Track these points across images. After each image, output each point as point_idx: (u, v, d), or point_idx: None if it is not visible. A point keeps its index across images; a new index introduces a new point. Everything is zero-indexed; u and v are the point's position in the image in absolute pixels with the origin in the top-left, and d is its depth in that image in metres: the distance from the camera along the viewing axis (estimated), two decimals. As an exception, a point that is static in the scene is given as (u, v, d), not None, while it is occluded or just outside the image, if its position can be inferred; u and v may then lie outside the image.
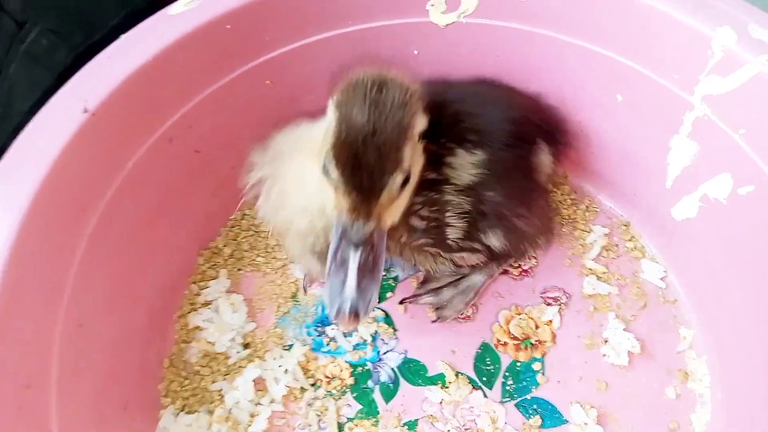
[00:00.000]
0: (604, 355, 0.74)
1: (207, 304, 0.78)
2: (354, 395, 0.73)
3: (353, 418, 0.71)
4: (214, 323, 0.76)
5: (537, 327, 0.76)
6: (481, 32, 0.71)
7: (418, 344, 0.76)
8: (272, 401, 0.72)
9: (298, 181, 0.60)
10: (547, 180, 0.77)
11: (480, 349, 0.75)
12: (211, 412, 0.71)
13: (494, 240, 0.67)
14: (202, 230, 0.80)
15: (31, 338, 0.54)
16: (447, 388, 0.73)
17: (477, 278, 0.77)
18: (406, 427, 0.71)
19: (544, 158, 0.73)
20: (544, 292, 0.79)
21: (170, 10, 0.64)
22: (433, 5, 0.70)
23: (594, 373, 0.73)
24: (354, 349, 0.76)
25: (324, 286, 0.56)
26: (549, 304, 0.78)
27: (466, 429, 0.70)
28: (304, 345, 0.75)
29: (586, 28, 0.68)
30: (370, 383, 0.74)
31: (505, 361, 0.75)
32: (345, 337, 0.76)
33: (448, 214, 0.63)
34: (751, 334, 0.66)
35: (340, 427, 0.71)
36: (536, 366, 0.74)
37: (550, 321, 0.76)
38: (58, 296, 0.56)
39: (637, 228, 0.83)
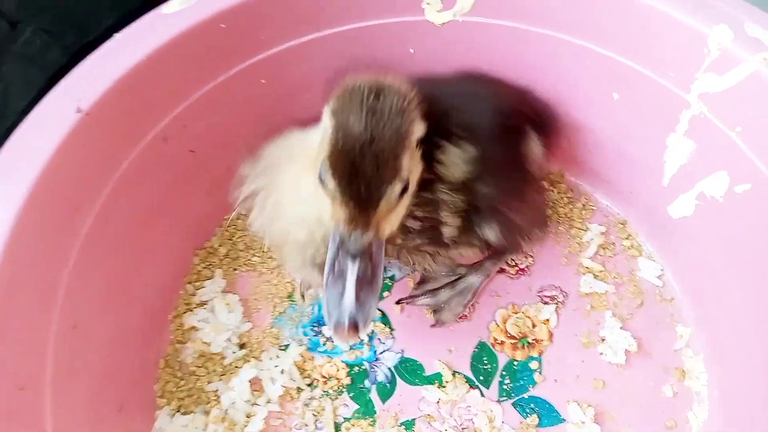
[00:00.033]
0: (601, 353, 0.74)
1: (202, 304, 0.78)
2: (351, 395, 0.73)
3: (350, 418, 0.71)
4: (209, 323, 0.76)
5: (534, 326, 0.76)
6: (477, 31, 0.71)
7: (415, 344, 0.76)
8: (269, 401, 0.72)
9: (294, 191, 0.59)
10: (539, 169, 0.76)
11: (477, 348, 0.75)
12: (207, 413, 0.71)
13: (491, 234, 0.67)
14: (197, 230, 0.80)
15: (26, 339, 0.53)
16: (444, 387, 0.72)
17: (474, 279, 0.77)
18: (403, 426, 0.71)
19: (534, 147, 0.72)
20: (541, 291, 0.79)
21: (164, 9, 0.63)
22: (428, 4, 0.70)
23: (591, 372, 0.73)
24: (350, 348, 0.75)
25: (321, 297, 0.55)
26: (546, 303, 0.78)
27: (464, 428, 0.70)
28: (301, 345, 0.75)
29: (583, 26, 0.67)
30: (366, 383, 0.73)
31: (502, 360, 0.74)
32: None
33: (443, 213, 0.62)
34: (748, 332, 0.66)
35: (337, 427, 0.71)
36: (533, 365, 0.74)
37: (547, 320, 0.76)
38: (52, 297, 0.56)
39: (634, 226, 0.83)
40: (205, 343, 0.75)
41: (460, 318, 0.77)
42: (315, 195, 0.53)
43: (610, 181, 0.82)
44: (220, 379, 0.73)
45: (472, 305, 0.77)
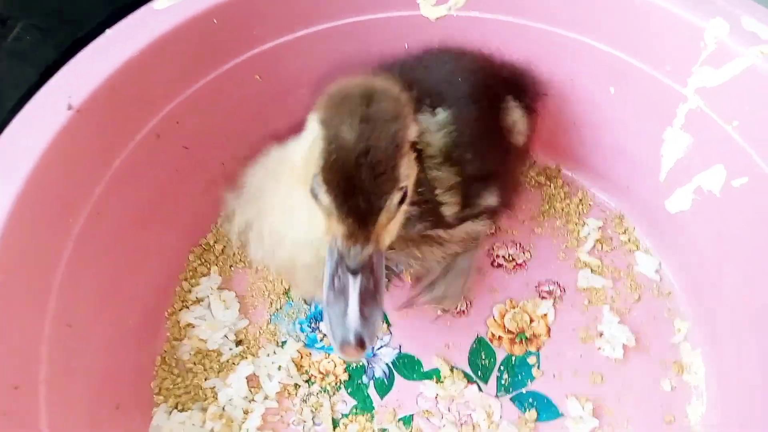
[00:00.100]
0: (599, 348, 0.74)
1: (199, 301, 0.77)
2: (348, 391, 0.73)
3: (348, 414, 0.71)
4: (206, 320, 0.75)
5: (532, 321, 0.76)
6: (471, 25, 0.71)
7: (413, 339, 0.75)
8: (266, 398, 0.71)
9: (288, 213, 0.55)
10: (526, 140, 0.72)
11: (475, 343, 0.75)
12: (204, 410, 0.70)
13: (491, 199, 0.65)
14: (192, 227, 0.80)
15: (19, 337, 0.53)
16: (442, 382, 0.72)
17: (463, 262, 0.75)
18: (402, 422, 0.71)
19: (516, 117, 0.69)
20: (539, 286, 0.79)
21: (156, 4, 0.62)
22: (423, -2, 0.69)
23: (589, 367, 0.73)
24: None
25: (324, 317, 0.51)
26: (543, 298, 0.77)
27: (462, 423, 0.70)
28: (298, 341, 0.75)
29: (578, 20, 0.67)
30: (364, 379, 0.73)
31: (500, 355, 0.74)
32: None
33: (437, 192, 0.59)
34: (745, 326, 0.66)
35: (335, 422, 0.71)
36: (531, 360, 0.74)
37: (545, 315, 0.76)
38: (45, 295, 0.56)
39: (631, 221, 0.82)
40: (201, 340, 0.74)
41: (458, 313, 0.77)
42: (309, 212, 0.50)
43: (607, 175, 0.82)
44: (217, 376, 0.72)
45: (469, 300, 0.77)
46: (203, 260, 0.80)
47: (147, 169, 0.66)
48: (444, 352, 0.74)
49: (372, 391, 0.73)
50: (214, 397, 0.71)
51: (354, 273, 0.47)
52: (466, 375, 0.73)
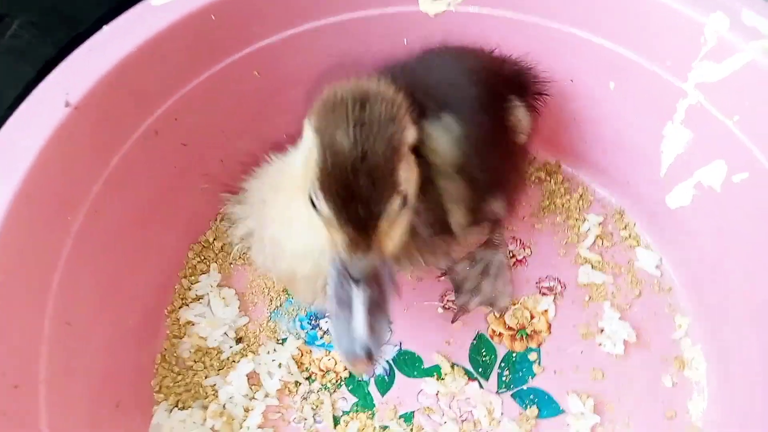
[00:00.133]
0: (600, 344, 0.74)
1: (198, 298, 0.77)
2: (349, 388, 0.73)
3: (349, 411, 0.71)
4: (205, 318, 0.75)
5: (532, 317, 0.76)
6: (471, 21, 0.70)
7: (413, 336, 0.75)
8: (267, 395, 0.71)
9: (287, 224, 0.54)
10: (528, 139, 0.71)
11: (475, 340, 0.75)
12: (205, 408, 0.70)
13: (499, 208, 0.64)
14: (191, 224, 0.79)
15: (18, 336, 0.53)
16: (443, 379, 0.72)
17: (497, 257, 0.75)
18: (403, 419, 0.70)
19: (520, 115, 0.68)
20: (539, 282, 0.78)
21: (153, 0, 0.62)
22: (423, -7, 0.69)
23: (590, 363, 0.73)
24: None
25: (330, 329, 0.51)
26: (544, 294, 0.77)
27: (463, 420, 0.70)
28: (298, 338, 0.75)
29: (578, 15, 0.67)
30: (365, 376, 0.73)
31: (501, 352, 0.74)
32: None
33: (444, 201, 0.58)
34: (746, 321, 0.66)
35: (336, 420, 0.71)
36: (532, 356, 0.74)
37: (546, 311, 0.76)
38: (44, 294, 0.55)
39: (632, 216, 0.82)
40: (201, 337, 0.74)
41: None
42: (309, 223, 0.48)
43: (607, 171, 0.81)
44: (218, 374, 0.72)
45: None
46: (202, 257, 0.79)
47: (146, 167, 0.66)
48: (445, 349, 0.74)
49: (373, 389, 0.73)
50: (214, 394, 0.71)
51: (358, 283, 0.46)
52: (466, 372, 0.73)
